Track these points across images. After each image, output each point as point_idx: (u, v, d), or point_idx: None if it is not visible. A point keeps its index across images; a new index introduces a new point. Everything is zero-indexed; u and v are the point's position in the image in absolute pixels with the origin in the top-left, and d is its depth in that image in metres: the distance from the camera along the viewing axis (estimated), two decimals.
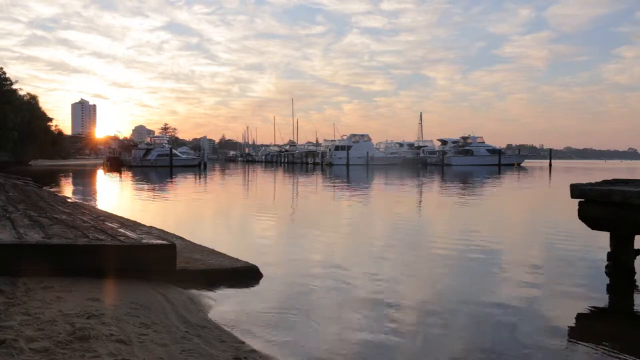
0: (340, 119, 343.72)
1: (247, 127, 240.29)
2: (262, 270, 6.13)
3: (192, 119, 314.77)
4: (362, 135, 79.40)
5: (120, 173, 45.73)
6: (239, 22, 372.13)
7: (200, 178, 37.86)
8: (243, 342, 3.85)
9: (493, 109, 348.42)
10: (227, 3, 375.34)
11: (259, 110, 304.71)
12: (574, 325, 4.76)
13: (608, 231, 6.24)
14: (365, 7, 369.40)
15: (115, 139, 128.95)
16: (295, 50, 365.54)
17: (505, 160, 73.66)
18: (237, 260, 6.38)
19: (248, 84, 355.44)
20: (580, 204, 6.33)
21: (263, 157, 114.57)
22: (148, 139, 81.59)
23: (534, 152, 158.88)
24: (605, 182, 6.70)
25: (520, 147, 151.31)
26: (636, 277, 6.12)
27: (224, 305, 4.97)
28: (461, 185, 29.26)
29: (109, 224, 7.80)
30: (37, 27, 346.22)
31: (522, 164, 75.86)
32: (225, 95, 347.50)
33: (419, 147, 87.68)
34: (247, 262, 6.27)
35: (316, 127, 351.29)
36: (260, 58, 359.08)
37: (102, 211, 12.03)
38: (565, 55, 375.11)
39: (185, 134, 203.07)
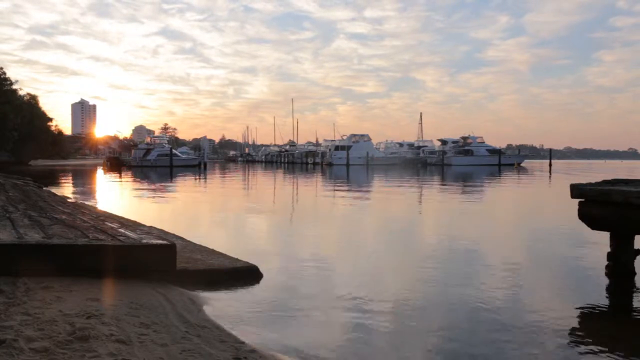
0: (336, 120, 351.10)
1: (247, 127, 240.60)
2: (262, 270, 6.12)
3: (189, 120, 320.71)
4: (362, 135, 79.39)
5: (120, 173, 45.73)
6: (230, 28, 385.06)
7: (200, 178, 37.87)
8: (243, 342, 3.84)
9: (485, 110, 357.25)
10: (217, 10, 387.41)
11: (255, 111, 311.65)
12: (573, 325, 4.75)
13: (608, 231, 6.23)
14: (349, 15, 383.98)
15: (115, 139, 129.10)
16: (286, 54, 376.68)
17: (505, 161, 73.68)
18: (237, 260, 6.38)
19: (242, 86, 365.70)
20: (580, 204, 6.33)
21: (263, 157, 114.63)
22: (148, 139, 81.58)
23: (534, 152, 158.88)
24: (605, 182, 6.69)
25: (520, 147, 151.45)
26: (636, 277, 6.12)
27: (224, 305, 4.97)
28: (461, 185, 29.27)
29: (109, 224, 7.79)
30: (37, 32, 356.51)
31: (522, 164, 75.91)
32: (221, 97, 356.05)
33: (419, 147, 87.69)
34: (247, 262, 6.27)
35: (312, 128, 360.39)
36: (253, 61, 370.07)
37: (102, 211, 12.02)
38: (547, 58, 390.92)
39: (183, 134, 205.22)
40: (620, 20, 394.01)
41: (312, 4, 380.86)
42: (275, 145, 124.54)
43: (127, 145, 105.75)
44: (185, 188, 27.19)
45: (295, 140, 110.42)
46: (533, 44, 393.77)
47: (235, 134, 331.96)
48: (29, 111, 66.05)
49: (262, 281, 5.93)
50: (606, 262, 6.27)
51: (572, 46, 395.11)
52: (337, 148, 76.19)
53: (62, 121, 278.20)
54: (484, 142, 79.54)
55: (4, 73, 61.76)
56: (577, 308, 5.25)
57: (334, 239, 9.70)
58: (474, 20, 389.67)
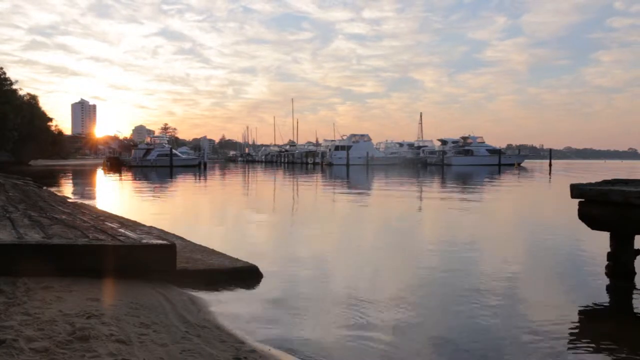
0: (336, 120, 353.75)
1: (247, 128, 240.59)
2: (262, 270, 6.13)
3: (189, 120, 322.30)
4: (362, 135, 79.39)
5: (120, 173, 45.73)
6: (229, 29, 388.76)
7: (200, 178, 37.87)
8: (243, 342, 3.85)
9: (485, 110, 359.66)
10: (216, 11, 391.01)
11: (254, 111, 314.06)
12: (573, 325, 4.76)
13: (608, 231, 6.23)
14: (347, 15, 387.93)
15: (115, 138, 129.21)
16: (285, 55, 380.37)
17: (505, 161, 73.66)
18: (237, 260, 6.38)
19: (242, 87, 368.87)
20: (580, 204, 6.33)
21: (263, 157, 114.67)
22: (148, 139, 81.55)
23: (534, 152, 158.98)
24: (605, 182, 6.69)
25: (520, 147, 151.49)
26: (636, 277, 6.12)
27: (224, 305, 4.97)
28: (461, 185, 29.27)
29: (109, 224, 7.80)
30: (37, 33, 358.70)
31: (522, 164, 75.93)
32: (221, 97, 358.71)
33: (419, 147, 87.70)
34: (247, 262, 6.27)
35: (312, 128, 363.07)
36: (252, 62, 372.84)
37: (102, 211, 12.03)
38: (545, 59, 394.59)
39: (183, 134, 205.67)
40: (618, 21, 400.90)
41: (310, 4, 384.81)
42: (275, 145, 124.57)
43: (127, 145, 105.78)
44: (185, 188, 27.19)
45: (295, 140, 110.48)
46: (531, 44, 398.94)
47: (235, 134, 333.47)
48: (29, 111, 66.06)
49: (262, 281, 5.93)
50: (606, 262, 6.27)
51: (570, 46, 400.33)
52: (337, 148, 76.18)
53: (62, 121, 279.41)
54: (484, 142, 79.51)
55: (4, 73, 61.79)
56: (577, 308, 5.25)
57: (333, 239, 9.70)
58: (472, 21, 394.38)
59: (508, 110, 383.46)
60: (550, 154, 71.98)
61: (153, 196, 20.88)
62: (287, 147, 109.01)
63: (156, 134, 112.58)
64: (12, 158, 62.20)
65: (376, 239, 9.91)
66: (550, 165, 65.45)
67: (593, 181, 6.82)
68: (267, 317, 4.72)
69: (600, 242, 7.14)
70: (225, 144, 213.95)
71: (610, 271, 6.20)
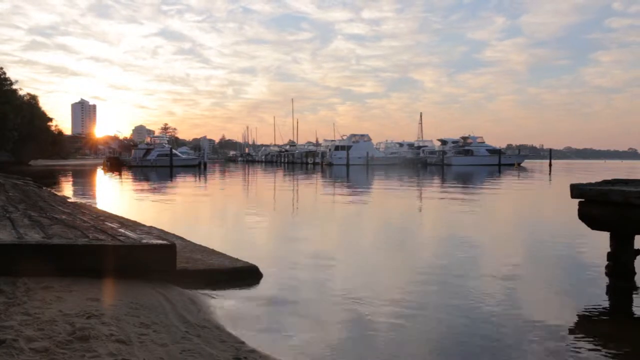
0: (336, 120, 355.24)
1: (247, 128, 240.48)
2: (262, 270, 6.13)
3: (189, 120, 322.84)
4: (362, 135, 79.40)
5: (120, 173, 45.72)
6: (229, 29, 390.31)
7: (200, 178, 37.86)
8: (243, 342, 3.85)
9: (485, 110, 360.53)
10: (216, 12, 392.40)
11: (254, 111, 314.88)
12: (573, 325, 4.76)
13: (608, 231, 6.23)
14: (347, 16, 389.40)
15: (115, 138, 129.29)
16: (285, 55, 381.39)
17: (505, 161, 73.69)
18: (237, 260, 6.39)
19: (242, 87, 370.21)
20: (580, 204, 6.33)
21: (263, 157, 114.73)
22: (148, 139, 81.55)
23: (534, 152, 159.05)
24: (605, 182, 6.69)
25: (520, 147, 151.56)
26: (636, 277, 6.12)
27: (224, 305, 4.97)
28: (461, 185, 29.27)
29: (109, 224, 7.80)
30: (37, 33, 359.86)
31: (522, 164, 75.95)
32: (221, 97, 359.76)
33: (419, 147, 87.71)
34: (247, 262, 6.27)
35: (312, 128, 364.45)
36: (252, 62, 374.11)
37: (102, 211, 12.03)
38: (545, 59, 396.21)
39: (183, 134, 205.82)
40: (616, 22, 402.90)
41: (310, 5, 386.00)
42: (275, 145, 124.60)
43: (127, 145, 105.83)
44: (185, 188, 27.19)
45: (295, 140, 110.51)
46: (530, 44, 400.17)
47: (235, 134, 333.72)
48: (29, 111, 66.06)
49: (262, 281, 5.93)
50: (606, 262, 6.27)
51: (569, 47, 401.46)
52: (337, 148, 76.19)
53: (62, 121, 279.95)
54: (484, 142, 79.52)
55: (4, 73, 61.79)
56: (577, 308, 5.25)
57: (333, 240, 9.70)
58: (472, 21, 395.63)
59: (508, 110, 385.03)
60: (550, 154, 71.94)
61: (153, 196, 20.87)
62: (287, 147, 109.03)
63: (156, 134, 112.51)
64: (12, 158, 62.23)
65: (376, 239, 9.91)
66: (550, 165, 65.41)
67: (593, 181, 6.82)
68: (267, 317, 4.72)
69: (600, 242, 7.14)
70: (225, 144, 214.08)
71: (610, 271, 6.20)
